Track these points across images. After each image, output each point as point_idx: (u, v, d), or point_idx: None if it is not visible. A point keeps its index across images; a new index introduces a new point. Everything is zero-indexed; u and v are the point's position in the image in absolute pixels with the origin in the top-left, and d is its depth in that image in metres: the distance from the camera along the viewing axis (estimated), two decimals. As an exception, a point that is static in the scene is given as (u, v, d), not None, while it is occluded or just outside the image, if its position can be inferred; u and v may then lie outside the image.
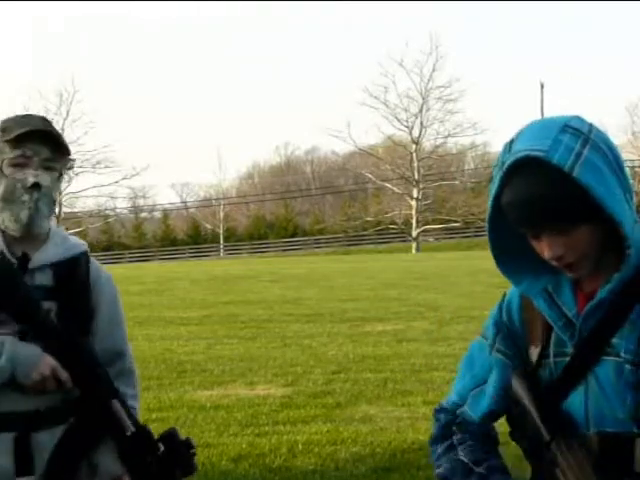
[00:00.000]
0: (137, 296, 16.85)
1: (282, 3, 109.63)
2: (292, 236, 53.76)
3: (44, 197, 2.49)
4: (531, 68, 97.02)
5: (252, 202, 62.42)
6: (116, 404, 2.45)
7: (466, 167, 59.81)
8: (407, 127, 51.03)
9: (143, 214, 59.97)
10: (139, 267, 33.46)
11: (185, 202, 68.47)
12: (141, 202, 58.69)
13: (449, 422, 2.02)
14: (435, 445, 2.02)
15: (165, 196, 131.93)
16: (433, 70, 50.40)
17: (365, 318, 13.57)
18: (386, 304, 15.00)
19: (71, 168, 2.63)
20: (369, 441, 6.31)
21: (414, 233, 49.23)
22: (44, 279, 2.51)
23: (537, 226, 1.73)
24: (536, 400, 1.83)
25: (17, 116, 2.57)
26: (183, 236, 57.22)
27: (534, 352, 1.87)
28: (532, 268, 1.84)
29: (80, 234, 52.60)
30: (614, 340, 1.76)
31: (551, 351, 1.84)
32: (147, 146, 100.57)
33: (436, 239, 53.11)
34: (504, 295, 1.96)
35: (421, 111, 50.78)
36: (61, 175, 2.56)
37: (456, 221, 50.44)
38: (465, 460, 1.93)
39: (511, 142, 1.76)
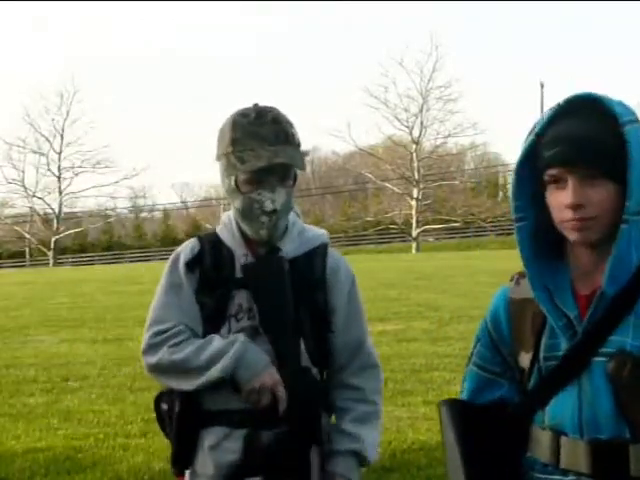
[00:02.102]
0: (137, 296, 16.83)
1: (282, 3, 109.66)
2: (292, 236, 53.69)
3: (282, 215, 2.47)
4: (531, 68, 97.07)
5: (252, 202, 62.28)
6: (324, 419, 2.50)
7: (466, 167, 59.78)
8: (407, 127, 50.98)
9: (143, 214, 59.93)
10: (139, 267, 33.45)
11: (185, 202, 68.46)
12: (141, 202, 58.71)
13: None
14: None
15: (165, 196, 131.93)
16: (433, 70, 50.36)
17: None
18: (386, 304, 14.99)
19: (306, 154, 2.55)
20: (369, 441, 6.31)
21: (414, 233, 49.19)
22: None
23: (571, 165, 1.73)
24: (451, 446, 1.87)
25: (247, 120, 2.46)
26: (183, 236, 57.06)
27: (525, 358, 1.86)
28: (538, 264, 1.83)
29: (80, 234, 52.63)
30: (613, 337, 1.74)
31: (541, 356, 1.83)
32: (147, 146, 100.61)
33: (436, 239, 53.08)
34: (488, 308, 1.98)
35: (421, 111, 50.74)
36: (295, 179, 2.51)
37: (456, 221, 50.40)
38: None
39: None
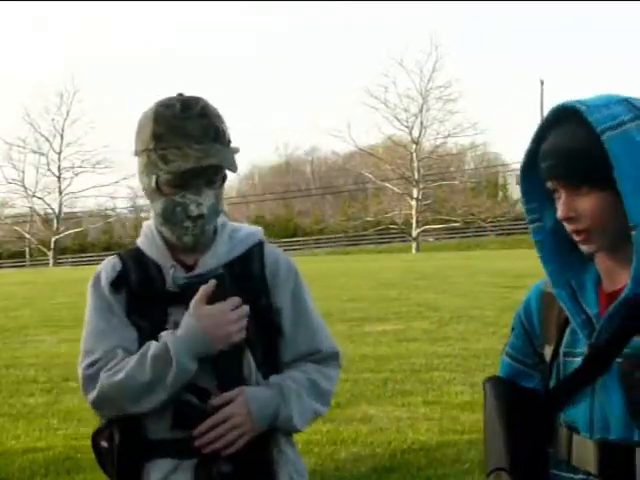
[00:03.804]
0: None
1: (282, 3, 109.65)
2: (292, 236, 53.72)
3: (209, 220, 2.22)
4: (531, 68, 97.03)
5: (252, 202, 62.40)
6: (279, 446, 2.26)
7: (466, 167, 59.76)
8: (407, 127, 50.98)
9: (143, 214, 59.88)
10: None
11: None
12: (141, 202, 58.68)
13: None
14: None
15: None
16: (433, 70, 50.36)
17: (365, 318, 13.56)
18: (386, 304, 14.99)
19: (236, 152, 2.25)
20: (369, 441, 6.31)
21: (414, 233, 49.18)
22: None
23: (558, 179, 1.73)
24: (491, 422, 1.83)
25: (171, 113, 2.17)
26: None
27: (548, 351, 1.86)
28: (560, 261, 1.83)
29: (80, 234, 52.63)
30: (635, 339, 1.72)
31: (561, 351, 1.83)
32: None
33: (436, 239, 53.07)
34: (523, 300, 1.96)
35: (421, 111, 50.73)
36: (224, 179, 2.25)
37: (456, 221, 50.39)
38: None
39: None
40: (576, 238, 1.75)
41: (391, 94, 59.08)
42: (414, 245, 48.40)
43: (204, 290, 2.17)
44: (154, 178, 2.19)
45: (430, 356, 9.98)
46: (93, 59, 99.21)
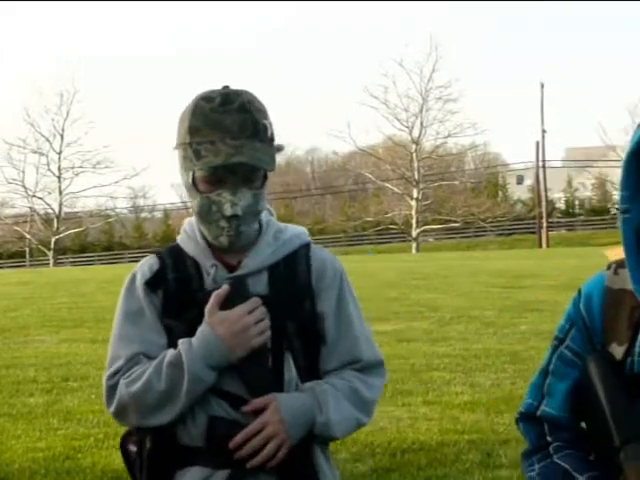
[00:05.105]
0: (137, 296, 16.78)
1: (282, 3, 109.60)
2: (292, 236, 53.65)
3: (245, 221, 2.12)
4: (531, 68, 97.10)
5: (252, 202, 62.36)
6: (319, 457, 2.17)
7: (466, 167, 59.77)
8: (407, 127, 50.99)
9: (143, 214, 59.92)
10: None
11: (185, 202, 68.28)
12: (141, 202, 58.72)
13: (540, 434, 1.89)
14: (529, 458, 1.88)
15: (165, 196, 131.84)
16: (433, 70, 50.36)
17: (365, 318, 13.52)
18: (386, 304, 14.97)
19: (280, 150, 2.18)
20: (369, 441, 6.30)
21: (414, 233, 49.18)
22: (259, 287, 2.15)
23: None
24: (612, 394, 1.72)
25: (210, 106, 2.08)
26: (183, 236, 57.08)
27: (617, 350, 1.79)
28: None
29: (80, 234, 52.62)
30: None
31: (637, 350, 1.77)
32: (147, 146, 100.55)
33: (436, 239, 53.07)
34: (579, 291, 1.88)
35: (421, 111, 50.73)
36: (265, 178, 2.16)
37: (456, 221, 50.38)
38: (565, 466, 1.80)
39: None
40: None
41: (391, 94, 58.97)
42: (414, 245, 48.40)
43: (217, 295, 2.09)
44: (190, 174, 2.12)
45: (430, 356, 9.97)
46: (93, 59, 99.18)
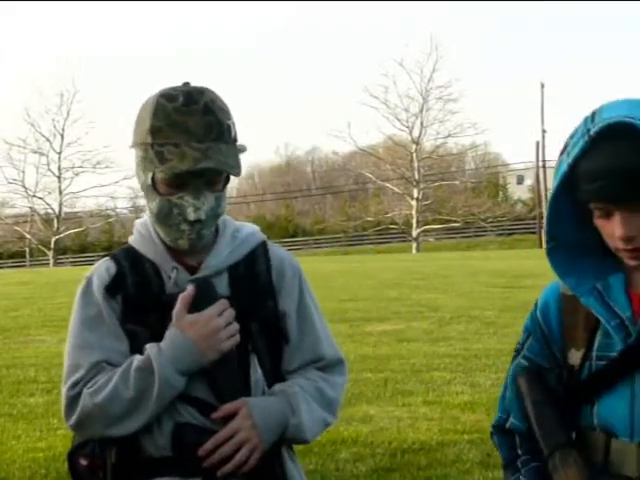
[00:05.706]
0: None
1: (282, 3, 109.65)
2: (292, 236, 53.72)
3: (207, 224, 2.06)
4: (531, 68, 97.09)
5: (252, 202, 62.41)
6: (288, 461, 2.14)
7: (466, 167, 59.77)
8: (407, 127, 50.99)
9: (143, 214, 59.86)
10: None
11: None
12: (141, 202, 58.65)
13: (512, 446, 1.90)
14: (505, 472, 1.91)
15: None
16: (433, 70, 50.34)
17: (365, 318, 13.55)
18: (386, 304, 14.98)
19: (243, 151, 2.09)
20: (369, 441, 6.31)
21: (414, 233, 49.18)
22: (220, 288, 2.09)
23: (616, 199, 1.64)
24: (539, 408, 1.77)
25: (173, 106, 2.00)
26: (183, 236, 57.05)
27: (575, 355, 1.80)
28: (579, 268, 1.79)
29: (80, 234, 52.62)
30: None
31: (594, 354, 1.78)
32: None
33: (436, 239, 53.07)
34: (535, 302, 1.90)
35: (421, 111, 50.72)
36: (227, 181, 2.09)
37: (456, 221, 50.39)
38: None
39: (593, 114, 1.69)
40: (631, 256, 1.69)
41: (391, 94, 59.06)
42: (414, 245, 48.41)
43: (184, 297, 2.03)
44: (150, 175, 2.04)
45: (430, 356, 9.98)
46: (93, 59, 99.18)
